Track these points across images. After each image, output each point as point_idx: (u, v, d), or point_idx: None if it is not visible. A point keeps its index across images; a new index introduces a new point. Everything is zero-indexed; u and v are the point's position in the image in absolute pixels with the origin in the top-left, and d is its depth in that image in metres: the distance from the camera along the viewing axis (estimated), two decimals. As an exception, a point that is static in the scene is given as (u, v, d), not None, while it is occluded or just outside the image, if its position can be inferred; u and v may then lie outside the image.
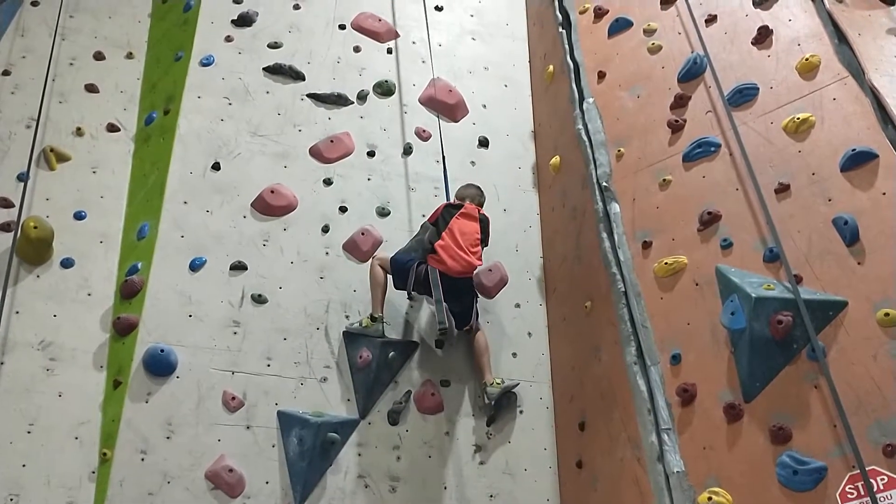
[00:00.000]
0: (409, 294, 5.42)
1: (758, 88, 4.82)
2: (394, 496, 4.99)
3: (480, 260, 5.46)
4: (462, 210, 5.52)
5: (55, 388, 4.82)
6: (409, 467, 5.10)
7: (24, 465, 4.54)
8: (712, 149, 4.87)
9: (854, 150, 4.20)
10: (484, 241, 5.55)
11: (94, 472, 4.61)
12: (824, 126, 4.43)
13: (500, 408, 5.36)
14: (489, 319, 5.70)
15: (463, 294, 5.37)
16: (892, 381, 3.58)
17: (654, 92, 5.44)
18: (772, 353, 3.95)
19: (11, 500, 4.43)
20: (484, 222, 5.59)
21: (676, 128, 5.14)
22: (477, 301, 5.53)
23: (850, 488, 3.50)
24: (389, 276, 5.43)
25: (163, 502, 4.58)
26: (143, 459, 4.65)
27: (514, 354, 5.63)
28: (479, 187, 5.87)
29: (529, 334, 5.74)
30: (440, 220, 5.46)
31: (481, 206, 5.74)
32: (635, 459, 4.36)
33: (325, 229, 5.72)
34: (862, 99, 4.36)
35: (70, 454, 4.64)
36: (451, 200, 5.71)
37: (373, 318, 5.31)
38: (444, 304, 5.12)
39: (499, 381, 5.31)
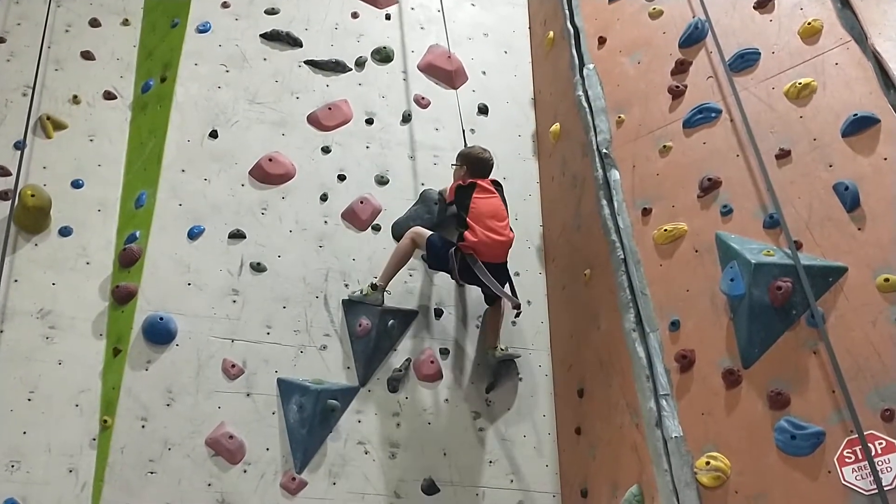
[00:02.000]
0: (457, 282, 5.39)
1: (759, 53, 4.78)
2: (393, 462, 5.02)
3: (512, 231, 5.31)
4: (478, 188, 5.32)
5: (55, 356, 4.83)
6: (408, 434, 5.12)
7: (24, 433, 4.56)
8: (713, 115, 4.84)
9: (856, 115, 4.16)
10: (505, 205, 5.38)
11: (94, 440, 4.64)
12: (826, 91, 4.40)
13: (498, 376, 5.39)
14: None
15: (503, 273, 5.28)
16: (891, 346, 3.59)
17: (654, 58, 5.40)
18: (771, 319, 3.94)
19: (13, 466, 4.46)
20: (500, 189, 5.45)
21: (677, 94, 5.10)
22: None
23: (848, 453, 3.51)
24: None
25: (164, 469, 4.61)
26: (143, 427, 4.67)
27: (514, 323, 5.63)
28: (481, 150, 5.60)
29: (529, 303, 5.73)
30: (458, 206, 5.31)
31: (490, 172, 5.56)
32: (634, 425, 4.38)
33: (324, 198, 5.70)
34: (864, 64, 4.32)
35: (70, 422, 4.66)
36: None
37: (374, 287, 5.30)
38: (499, 286, 5.07)
39: (503, 347, 5.34)
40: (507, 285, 5.30)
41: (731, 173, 4.58)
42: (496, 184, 5.49)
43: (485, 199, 5.30)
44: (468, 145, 5.74)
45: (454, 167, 5.62)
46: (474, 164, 5.52)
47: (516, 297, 5.25)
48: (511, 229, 5.33)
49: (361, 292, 5.33)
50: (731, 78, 4.78)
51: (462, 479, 5.08)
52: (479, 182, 5.38)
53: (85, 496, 4.48)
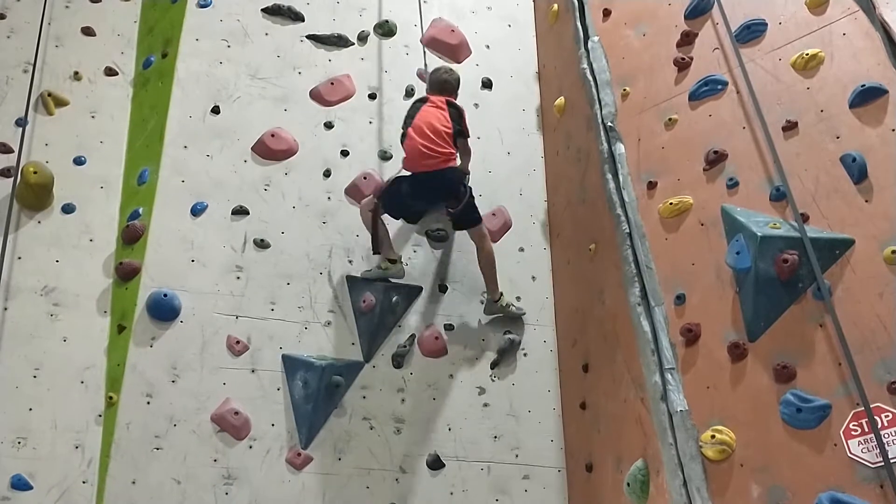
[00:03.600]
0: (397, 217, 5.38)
1: (766, 24, 4.72)
2: (398, 437, 5.03)
3: (454, 153, 5.22)
4: (427, 103, 5.33)
5: (59, 333, 4.83)
6: (413, 409, 5.13)
7: (30, 409, 4.57)
8: (719, 87, 4.79)
9: (863, 86, 4.12)
10: (459, 133, 5.27)
11: (100, 416, 4.65)
12: (833, 62, 4.34)
13: (503, 352, 5.38)
14: (493, 263, 5.68)
15: (448, 191, 5.18)
16: (897, 318, 3.57)
17: (660, 30, 5.33)
18: (777, 292, 3.92)
19: (19, 442, 4.48)
20: (454, 110, 5.34)
21: (683, 66, 5.05)
22: (471, 197, 5.24)
23: (854, 425, 3.49)
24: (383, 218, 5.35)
25: (169, 445, 4.62)
26: (148, 403, 4.68)
27: (519, 298, 5.61)
28: (448, 70, 5.64)
29: (533, 278, 5.72)
30: (406, 118, 5.33)
31: (452, 94, 5.52)
32: (639, 400, 4.37)
33: (327, 174, 5.67)
34: (872, 34, 4.27)
35: (76, 398, 4.67)
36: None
37: (391, 261, 5.29)
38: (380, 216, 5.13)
39: (504, 304, 5.38)
40: (465, 202, 5.17)
41: (737, 146, 4.53)
42: (452, 105, 5.38)
43: (425, 111, 5.27)
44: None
45: None
46: (429, 81, 5.62)
47: (455, 209, 5.20)
48: (454, 152, 5.21)
49: (381, 268, 5.30)
50: (737, 49, 4.72)
51: (467, 453, 5.09)
52: (430, 97, 5.41)
53: (91, 472, 4.51)
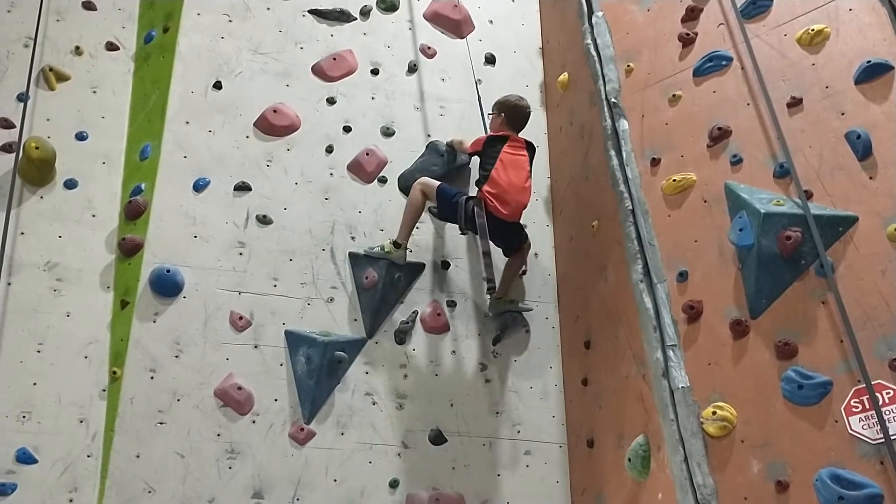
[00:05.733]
0: (461, 230, 5.25)
1: (771, 0, 4.68)
2: (401, 413, 5.05)
3: (530, 194, 5.22)
4: (509, 142, 5.20)
5: (63, 308, 4.83)
6: (415, 385, 5.15)
7: (34, 384, 4.59)
8: (724, 63, 4.76)
9: (869, 62, 4.09)
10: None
11: (104, 391, 4.67)
12: (839, 38, 4.31)
13: (505, 328, 5.40)
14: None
15: (513, 233, 5.27)
16: (900, 296, 3.57)
17: (664, 4, 5.29)
18: (779, 269, 3.92)
19: (24, 416, 4.50)
20: (532, 151, 5.32)
21: (687, 41, 5.01)
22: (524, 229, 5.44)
23: (855, 402, 3.51)
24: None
25: (173, 420, 4.65)
26: (152, 378, 4.70)
27: (522, 272, 5.62)
28: (519, 99, 5.44)
29: (536, 255, 5.72)
30: (484, 156, 5.19)
31: (526, 124, 5.42)
32: (640, 376, 4.38)
33: (329, 150, 5.65)
34: (878, 9, 4.24)
35: (80, 373, 4.68)
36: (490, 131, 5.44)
37: (396, 245, 5.26)
38: (491, 255, 4.98)
39: (511, 299, 5.39)
40: (522, 236, 5.38)
41: (741, 122, 4.51)
42: (529, 145, 5.33)
43: (513, 155, 5.17)
44: (504, 96, 5.54)
45: (491, 115, 5.49)
46: (512, 114, 5.37)
47: (523, 265, 5.45)
48: (530, 192, 5.23)
49: (383, 249, 5.28)
50: (742, 25, 4.69)
51: (469, 429, 5.12)
52: (512, 136, 5.27)
53: (96, 446, 4.53)
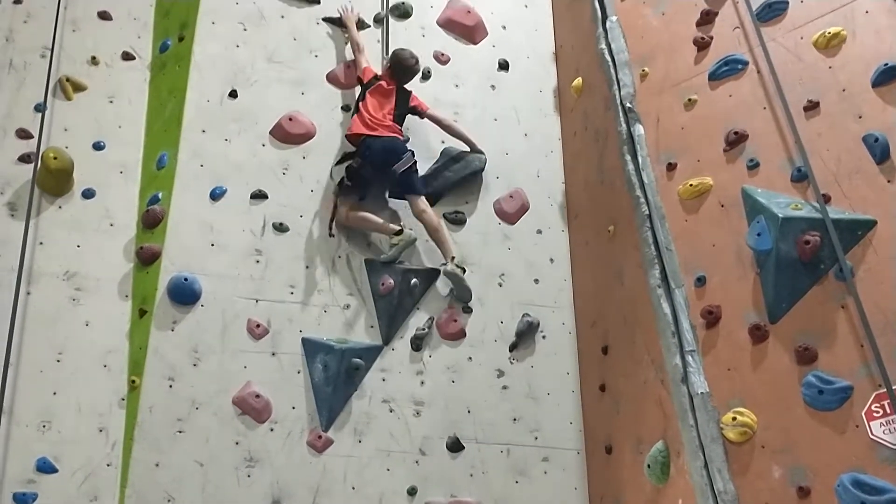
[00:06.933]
0: (346, 181, 5.41)
1: (787, 2, 4.67)
2: (418, 420, 5.05)
3: (389, 122, 5.50)
4: (376, 85, 5.58)
5: (82, 317, 4.86)
6: (432, 392, 5.15)
7: (54, 393, 4.62)
8: (739, 66, 4.75)
9: (886, 64, 4.07)
10: (398, 118, 5.57)
11: (123, 399, 4.69)
12: (856, 40, 4.30)
13: (521, 335, 5.37)
14: (510, 246, 5.67)
15: (397, 159, 5.40)
16: (921, 300, 3.54)
17: (679, 8, 5.28)
18: (798, 273, 3.90)
19: (44, 426, 4.53)
20: (402, 96, 5.62)
21: (703, 45, 5.00)
22: (415, 163, 5.49)
23: (876, 407, 3.49)
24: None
25: (192, 428, 4.66)
26: (170, 386, 4.72)
27: (537, 280, 5.61)
28: (401, 51, 5.76)
29: (551, 260, 5.71)
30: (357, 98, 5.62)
31: (407, 73, 5.69)
32: (659, 381, 4.37)
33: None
34: (895, 11, 4.21)
35: (99, 382, 4.71)
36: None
37: (397, 233, 5.29)
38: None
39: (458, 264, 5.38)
40: (411, 170, 5.45)
41: (757, 126, 4.50)
42: (404, 91, 5.65)
43: (376, 98, 5.55)
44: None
45: None
46: (391, 61, 5.74)
47: (418, 186, 5.50)
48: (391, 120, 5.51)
49: (392, 245, 5.30)
50: (758, 28, 4.68)
51: (486, 436, 5.11)
52: (387, 81, 5.61)
53: (115, 454, 4.56)
